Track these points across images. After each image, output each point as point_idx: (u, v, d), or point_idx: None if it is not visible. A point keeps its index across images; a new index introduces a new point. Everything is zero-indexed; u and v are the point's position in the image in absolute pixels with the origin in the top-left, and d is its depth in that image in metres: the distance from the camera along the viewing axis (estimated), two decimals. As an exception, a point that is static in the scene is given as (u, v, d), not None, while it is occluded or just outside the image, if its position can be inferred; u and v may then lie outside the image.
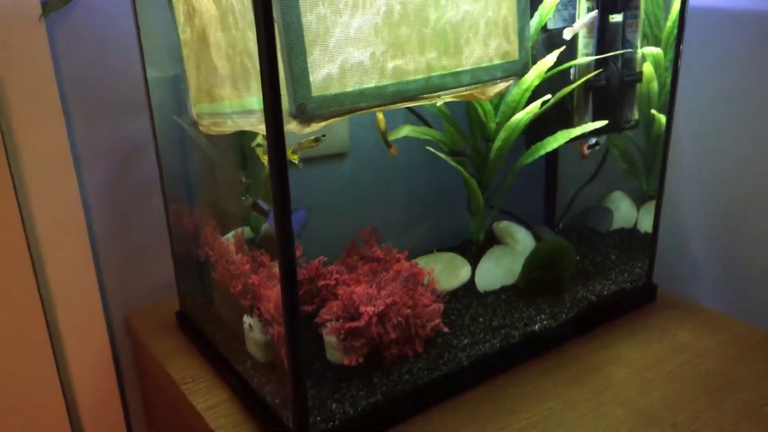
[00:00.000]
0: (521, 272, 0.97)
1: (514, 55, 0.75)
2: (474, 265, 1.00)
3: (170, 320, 0.98)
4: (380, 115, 0.87)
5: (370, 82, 0.64)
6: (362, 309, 0.76)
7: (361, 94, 0.63)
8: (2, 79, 0.82)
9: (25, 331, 0.94)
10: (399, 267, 0.82)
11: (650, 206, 1.05)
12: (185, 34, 0.71)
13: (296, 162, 0.73)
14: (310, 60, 0.59)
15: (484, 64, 0.72)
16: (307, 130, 0.61)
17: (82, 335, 0.97)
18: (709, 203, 1.14)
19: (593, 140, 0.88)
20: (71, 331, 0.96)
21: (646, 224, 1.08)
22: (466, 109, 0.96)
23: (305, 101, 0.60)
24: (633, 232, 1.14)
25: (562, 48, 0.88)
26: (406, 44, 0.65)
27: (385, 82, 0.65)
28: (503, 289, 0.98)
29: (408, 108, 0.94)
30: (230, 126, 0.67)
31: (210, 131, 0.72)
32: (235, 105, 0.65)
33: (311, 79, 0.60)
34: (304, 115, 0.60)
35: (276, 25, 0.57)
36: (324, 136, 0.77)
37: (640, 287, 1.02)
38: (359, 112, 0.65)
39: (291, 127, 0.61)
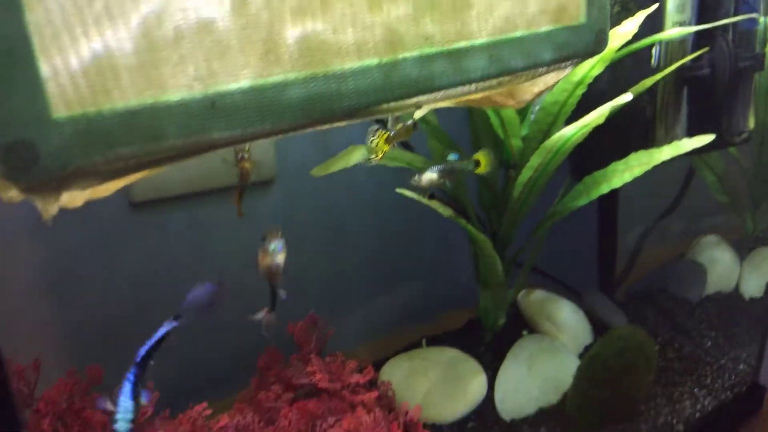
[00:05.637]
0: (573, 388, 0.58)
1: (578, 15, 0.36)
2: (491, 371, 0.61)
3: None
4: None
5: (241, 82, 0.26)
6: None
7: (212, 106, 0.25)
8: None
9: None
10: (350, 424, 0.43)
11: (761, 257, 0.67)
12: None
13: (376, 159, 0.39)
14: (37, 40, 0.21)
15: (518, 34, 0.34)
16: (55, 206, 0.23)
17: None
18: None
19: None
20: None
21: (753, 286, 0.70)
22: (469, 116, 0.58)
23: (33, 136, 0.22)
24: (735, 298, 0.75)
25: (651, 9, 0.49)
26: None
27: (293, 75, 0.27)
28: (541, 415, 0.59)
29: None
30: None
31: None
32: None
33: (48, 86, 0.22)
34: (30, 172, 0.22)
35: None
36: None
37: (744, 392, 0.64)
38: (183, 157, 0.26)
39: (12, 195, 0.23)
